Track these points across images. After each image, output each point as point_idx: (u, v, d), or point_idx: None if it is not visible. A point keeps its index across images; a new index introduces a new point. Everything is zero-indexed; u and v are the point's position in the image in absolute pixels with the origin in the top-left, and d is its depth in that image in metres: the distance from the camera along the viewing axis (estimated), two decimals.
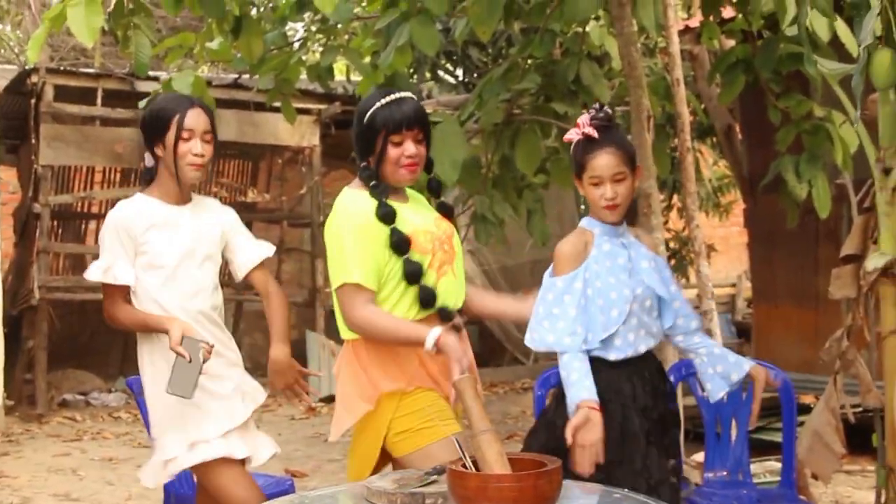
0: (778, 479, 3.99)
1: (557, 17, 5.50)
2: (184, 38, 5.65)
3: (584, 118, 3.18)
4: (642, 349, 3.16)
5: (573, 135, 3.18)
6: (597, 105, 3.22)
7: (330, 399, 10.06)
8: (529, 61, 6.10)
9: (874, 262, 3.59)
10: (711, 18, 5.70)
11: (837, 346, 3.80)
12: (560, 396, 3.15)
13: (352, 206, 3.17)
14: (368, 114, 3.19)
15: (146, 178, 3.52)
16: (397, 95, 3.21)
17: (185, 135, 3.38)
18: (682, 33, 7.14)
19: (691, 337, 3.29)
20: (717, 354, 3.29)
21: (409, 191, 3.36)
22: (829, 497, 5.60)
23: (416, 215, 3.22)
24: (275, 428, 8.53)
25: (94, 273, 3.41)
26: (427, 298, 3.12)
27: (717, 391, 3.28)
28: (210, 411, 3.41)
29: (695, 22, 7.59)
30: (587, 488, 2.55)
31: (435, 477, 2.44)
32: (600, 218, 3.17)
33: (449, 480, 2.15)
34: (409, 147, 3.17)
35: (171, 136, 3.39)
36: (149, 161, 3.48)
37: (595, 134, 3.11)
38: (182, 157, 3.39)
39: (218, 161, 11.89)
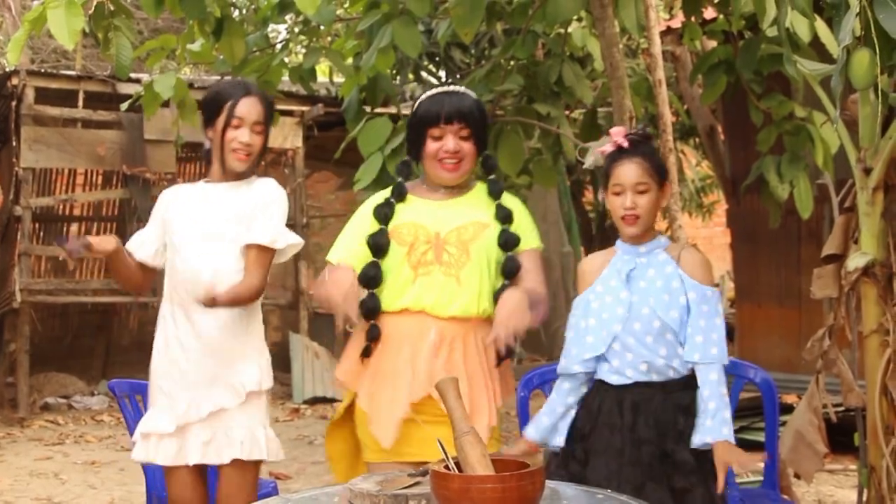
0: (761, 478, 3.99)
1: (540, 18, 5.51)
2: (165, 41, 5.63)
3: (618, 130, 3.10)
4: (641, 369, 2.97)
5: (607, 147, 3.08)
6: (641, 125, 3.18)
7: (313, 401, 10.06)
8: (512, 62, 6.11)
9: (855, 261, 3.61)
10: (693, 19, 5.72)
11: (819, 346, 3.81)
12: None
13: (374, 196, 3.23)
14: (415, 107, 3.15)
15: (206, 159, 3.54)
16: (446, 89, 3.15)
17: (234, 122, 3.36)
18: (663, 34, 7.17)
19: (698, 372, 2.97)
20: (700, 408, 2.95)
21: (478, 189, 3.23)
22: (812, 496, 5.62)
23: (431, 211, 3.13)
24: None
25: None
26: (369, 307, 3.09)
27: (696, 439, 2.95)
28: (177, 401, 3.41)
29: (676, 23, 7.62)
30: (570, 490, 2.55)
31: (418, 478, 2.44)
32: (620, 230, 3.06)
33: (432, 482, 2.14)
34: (449, 142, 3.08)
35: (220, 122, 3.37)
36: (207, 143, 3.48)
37: (625, 144, 3.03)
38: (228, 143, 3.37)
39: (201, 162, 11.87)
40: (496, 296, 3.09)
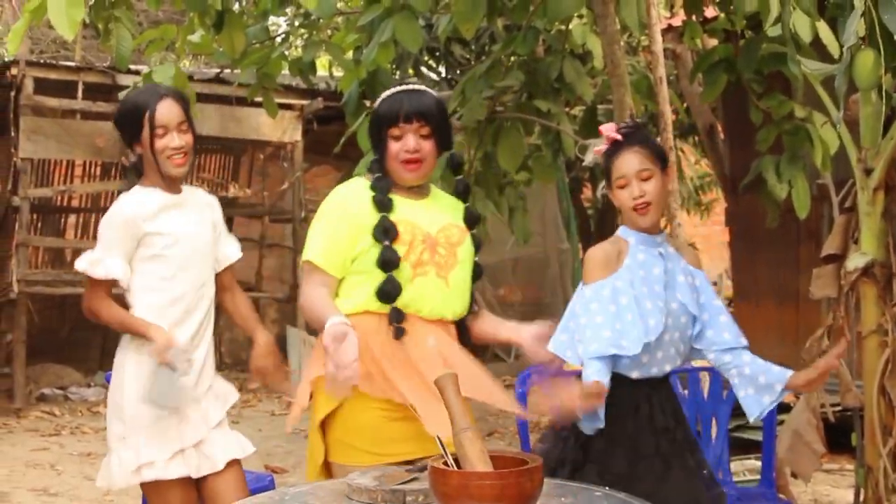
0: (758, 477, 4.00)
1: (541, 14, 5.50)
2: (165, 31, 5.62)
3: (608, 126, 3.09)
4: (667, 368, 3.03)
5: (602, 146, 3.07)
6: (629, 119, 3.16)
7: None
8: (512, 58, 6.10)
9: (855, 261, 3.62)
10: (694, 18, 5.72)
11: (818, 346, 3.82)
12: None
13: (343, 189, 3.13)
14: (376, 106, 3.10)
15: (135, 174, 3.42)
16: (405, 88, 3.08)
17: (159, 131, 3.28)
18: (664, 32, 7.16)
19: (723, 355, 3.09)
20: (747, 374, 3.06)
21: (436, 192, 3.20)
22: (809, 496, 5.62)
23: (415, 211, 3.07)
24: (255, 424, 8.51)
25: (82, 264, 3.29)
26: (387, 291, 2.95)
27: (751, 412, 3.08)
28: (189, 418, 3.33)
29: (678, 21, 7.61)
30: (568, 486, 2.55)
31: (417, 474, 2.44)
32: (633, 224, 3.02)
33: (431, 478, 2.14)
34: (409, 141, 3.01)
35: (146, 134, 3.29)
36: (132, 157, 3.40)
37: (619, 137, 3.02)
38: (161, 152, 3.29)
39: (199, 156, 11.88)
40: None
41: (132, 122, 3.32)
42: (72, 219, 11.39)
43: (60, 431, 8.39)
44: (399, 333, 2.97)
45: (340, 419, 3.01)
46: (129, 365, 3.33)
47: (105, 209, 11.05)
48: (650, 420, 2.99)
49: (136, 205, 3.32)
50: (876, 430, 3.56)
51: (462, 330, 3.16)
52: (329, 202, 3.10)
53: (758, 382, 3.05)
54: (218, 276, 3.52)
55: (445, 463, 2.19)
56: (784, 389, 3.05)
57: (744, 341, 3.10)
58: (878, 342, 3.59)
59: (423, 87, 3.12)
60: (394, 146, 3.04)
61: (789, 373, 3.04)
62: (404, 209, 3.06)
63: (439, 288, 3.03)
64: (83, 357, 10.91)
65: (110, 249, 3.28)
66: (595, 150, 3.12)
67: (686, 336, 3.04)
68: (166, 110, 3.30)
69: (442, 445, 2.27)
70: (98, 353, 10.90)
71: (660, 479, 2.91)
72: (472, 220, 3.18)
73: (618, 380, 2.95)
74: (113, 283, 3.31)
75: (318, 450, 3.04)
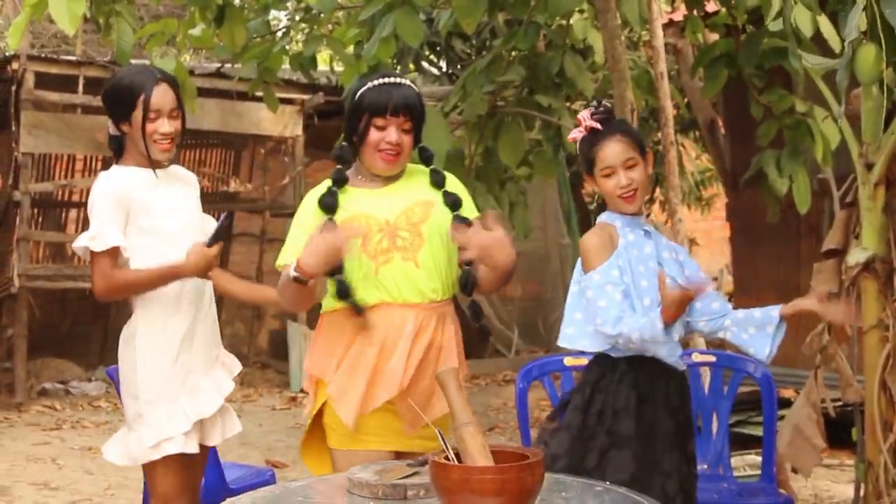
0: (758, 472, 4.01)
1: (542, 9, 5.50)
2: (166, 25, 5.62)
3: (584, 114, 3.11)
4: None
5: (577, 133, 3.11)
6: (594, 102, 3.16)
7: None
8: (513, 53, 6.11)
9: (856, 256, 3.62)
10: (695, 12, 5.72)
11: (818, 341, 3.82)
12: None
13: (312, 192, 3.15)
14: (358, 93, 3.11)
15: (114, 149, 3.39)
16: (392, 80, 3.11)
17: (151, 115, 3.26)
18: (665, 27, 7.16)
19: (717, 321, 3.15)
20: (741, 318, 3.13)
21: (409, 171, 3.21)
22: (809, 491, 5.63)
23: (373, 200, 3.09)
24: (255, 419, 8.52)
25: (81, 243, 3.26)
26: (340, 290, 3.01)
27: (761, 350, 3.12)
28: (202, 388, 3.35)
29: (679, 16, 7.61)
30: (569, 481, 2.55)
31: (417, 469, 2.44)
32: (619, 210, 3.09)
33: (431, 472, 2.14)
34: (392, 134, 3.05)
35: (137, 115, 3.27)
36: (113, 131, 3.36)
37: (599, 126, 3.06)
38: (150, 135, 3.28)
39: (200, 150, 11.87)
40: (461, 283, 3.11)
41: (125, 101, 3.29)
42: (73, 213, 11.38)
43: (61, 426, 8.40)
44: (359, 310, 3.02)
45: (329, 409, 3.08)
46: (142, 333, 3.32)
47: None
48: (666, 398, 3.04)
49: (123, 179, 3.32)
50: (876, 426, 3.56)
51: (475, 311, 3.19)
52: (301, 205, 3.16)
53: (755, 318, 3.12)
54: None
55: (447, 457, 2.19)
56: (782, 319, 3.11)
57: (731, 307, 3.18)
58: (879, 337, 3.59)
59: (406, 80, 3.15)
60: (375, 135, 3.06)
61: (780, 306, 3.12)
62: (361, 201, 3.09)
63: (407, 271, 3.05)
64: (84, 351, 10.92)
65: (103, 223, 3.25)
66: (570, 138, 3.17)
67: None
68: (161, 95, 3.29)
69: (443, 439, 2.27)
70: (99, 348, 10.91)
71: (673, 459, 3.00)
72: (438, 182, 3.18)
73: (634, 360, 3.01)
74: (116, 253, 3.27)
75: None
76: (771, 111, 5.25)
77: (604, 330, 2.97)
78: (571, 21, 6.14)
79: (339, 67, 9.55)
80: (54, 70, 9.72)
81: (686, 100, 8.47)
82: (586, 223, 11.64)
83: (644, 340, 2.93)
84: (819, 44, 4.60)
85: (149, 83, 3.28)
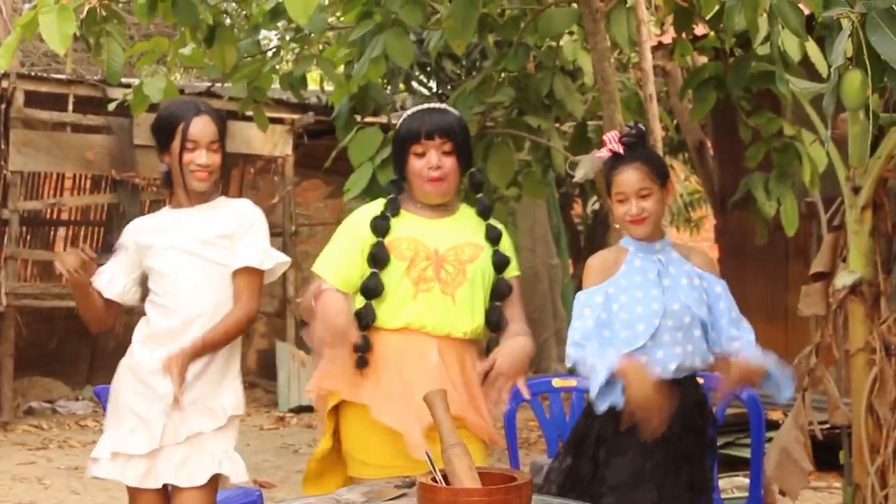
0: (745, 494, 3.99)
1: (532, 31, 5.53)
2: (157, 43, 5.63)
3: (611, 134, 3.09)
4: (672, 367, 3.00)
5: (603, 153, 3.08)
6: (632, 123, 3.13)
7: (298, 410, 10.03)
8: (503, 75, 6.13)
9: (843, 279, 3.63)
10: (684, 35, 5.74)
11: (806, 363, 3.83)
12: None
13: (360, 210, 3.20)
14: (398, 125, 3.14)
15: (166, 184, 3.44)
16: (427, 106, 3.14)
17: (189, 145, 3.28)
18: (654, 49, 7.19)
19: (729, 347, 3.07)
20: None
21: (464, 211, 3.21)
22: None
23: (426, 229, 3.10)
24: (243, 438, 8.45)
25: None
26: (362, 314, 3.03)
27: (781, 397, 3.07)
28: (150, 426, 3.29)
29: (668, 38, 7.64)
30: (557, 502, 2.55)
31: (405, 490, 2.44)
32: (628, 233, 3.08)
33: (419, 494, 2.14)
34: (432, 158, 3.05)
35: (176, 146, 3.30)
36: (162, 167, 3.40)
37: (621, 150, 3.04)
38: (186, 166, 3.29)
39: None
40: (489, 319, 3.12)
41: (165, 131, 3.34)
42: (61, 232, 11.35)
43: (48, 445, 8.36)
44: (361, 349, 3.03)
45: (346, 433, 3.11)
46: (123, 359, 3.41)
47: (95, 222, 10.85)
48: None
49: (138, 223, 3.47)
50: (864, 448, 3.57)
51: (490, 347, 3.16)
52: (345, 222, 3.19)
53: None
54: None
55: (434, 479, 2.19)
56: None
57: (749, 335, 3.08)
58: (866, 360, 3.61)
59: (445, 106, 3.18)
60: (416, 163, 3.08)
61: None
62: (413, 226, 3.11)
63: (444, 305, 3.06)
64: (71, 371, 10.86)
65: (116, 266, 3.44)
66: (596, 156, 3.12)
67: (693, 336, 3.03)
68: (201, 126, 3.31)
69: (430, 461, 2.27)
70: (86, 367, 10.86)
71: (659, 488, 2.95)
72: (493, 238, 3.18)
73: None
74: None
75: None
76: (759, 134, 5.27)
77: (567, 347, 3.01)
78: (561, 43, 6.16)
79: (329, 87, 9.56)
80: (44, 88, 9.71)
81: (675, 122, 8.50)
82: (576, 244, 11.66)
83: (588, 375, 2.93)
84: (807, 68, 4.63)
85: (189, 114, 3.31)
